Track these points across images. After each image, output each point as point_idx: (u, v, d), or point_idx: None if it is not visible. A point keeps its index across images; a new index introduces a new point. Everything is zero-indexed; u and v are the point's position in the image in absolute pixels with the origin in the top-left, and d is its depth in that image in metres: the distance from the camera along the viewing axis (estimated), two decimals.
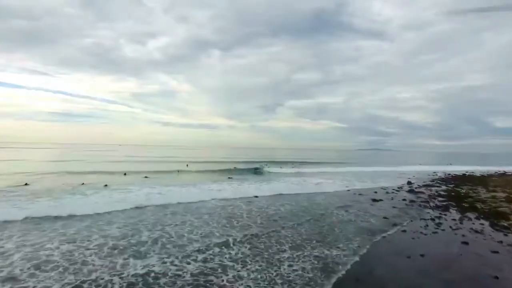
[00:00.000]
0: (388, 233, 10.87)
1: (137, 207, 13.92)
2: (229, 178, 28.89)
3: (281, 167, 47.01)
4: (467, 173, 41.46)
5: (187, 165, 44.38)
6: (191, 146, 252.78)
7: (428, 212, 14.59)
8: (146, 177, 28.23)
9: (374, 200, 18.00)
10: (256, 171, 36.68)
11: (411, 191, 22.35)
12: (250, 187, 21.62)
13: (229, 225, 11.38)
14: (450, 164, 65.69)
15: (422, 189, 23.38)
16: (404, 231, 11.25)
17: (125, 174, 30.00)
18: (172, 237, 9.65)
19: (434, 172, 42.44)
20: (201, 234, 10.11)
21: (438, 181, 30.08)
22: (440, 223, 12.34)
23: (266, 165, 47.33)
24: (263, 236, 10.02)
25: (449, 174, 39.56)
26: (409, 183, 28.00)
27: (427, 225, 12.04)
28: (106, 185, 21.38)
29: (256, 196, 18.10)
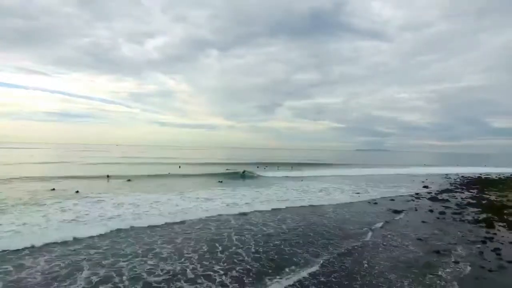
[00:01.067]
0: (442, 269, 7.55)
1: (91, 236, 9.24)
2: (219, 182, 25.96)
3: (278, 168, 44.18)
4: (482, 176, 38.36)
5: (179, 167, 41.52)
6: (188, 147, 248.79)
7: (471, 231, 11.36)
8: (129, 180, 25.31)
9: (395, 212, 14.81)
10: (243, 175, 31.53)
11: (433, 198, 19.14)
12: (245, 196, 18.24)
13: (211, 255, 8.07)
14: (457, 165, 62.84)
15: (445, 196, 20.21)
16: (457, 262, 8.07)
17: (108, 177, 27.04)
18: (122, 281, 6.38)
19: (446, 175, 39.33)
20: (167, 273, 6.82)
21: (457, 186, 26.94)
22: (499, 249, 9.11)
23: (265, 167, 44.12)
24: (259, 278, 6.75)
25: (463, 177, 36.50)
26: (425, 187, 24.96)
27: (482, 253, 8.84)
28: (77, 192, 18.36)
29: (253, 211, 14.27)
